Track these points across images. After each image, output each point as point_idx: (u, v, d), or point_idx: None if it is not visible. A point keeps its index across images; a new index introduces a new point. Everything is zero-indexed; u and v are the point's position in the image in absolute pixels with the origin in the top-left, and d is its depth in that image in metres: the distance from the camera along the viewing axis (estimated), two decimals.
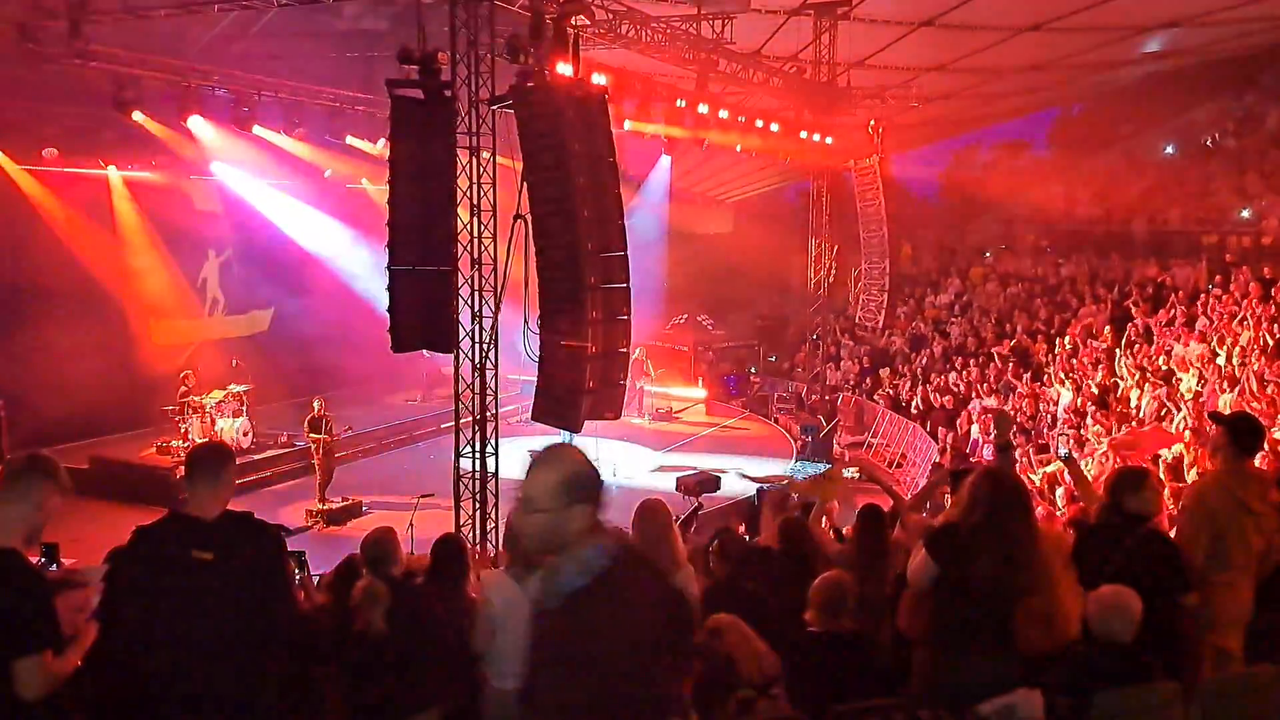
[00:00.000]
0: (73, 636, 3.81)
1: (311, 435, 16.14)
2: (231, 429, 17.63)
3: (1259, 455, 11.28)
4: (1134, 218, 26.19)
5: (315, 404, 16.40)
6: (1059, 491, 13.89)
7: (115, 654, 3.98)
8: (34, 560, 3.97)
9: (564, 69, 11.28)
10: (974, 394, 21.21)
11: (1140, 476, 5.52)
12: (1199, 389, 15.75)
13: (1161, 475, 11.85)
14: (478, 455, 12.67)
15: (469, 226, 12.68)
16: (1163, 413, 15.65)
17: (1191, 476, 11.77)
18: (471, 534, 12.60)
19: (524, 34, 11.80)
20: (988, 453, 17.96)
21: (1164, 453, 13.05)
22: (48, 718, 3.64)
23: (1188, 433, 13.39)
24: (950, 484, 6.49)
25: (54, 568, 6.85)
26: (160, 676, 3.88)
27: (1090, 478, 9.33)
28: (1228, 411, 10.59)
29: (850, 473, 11.53)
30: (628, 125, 17.04)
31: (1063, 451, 14.16)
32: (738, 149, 20.42)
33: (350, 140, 19.49)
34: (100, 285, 17.85)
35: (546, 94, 10.44)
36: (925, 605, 4.75)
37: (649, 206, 28.25)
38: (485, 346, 12.58)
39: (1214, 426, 5.64)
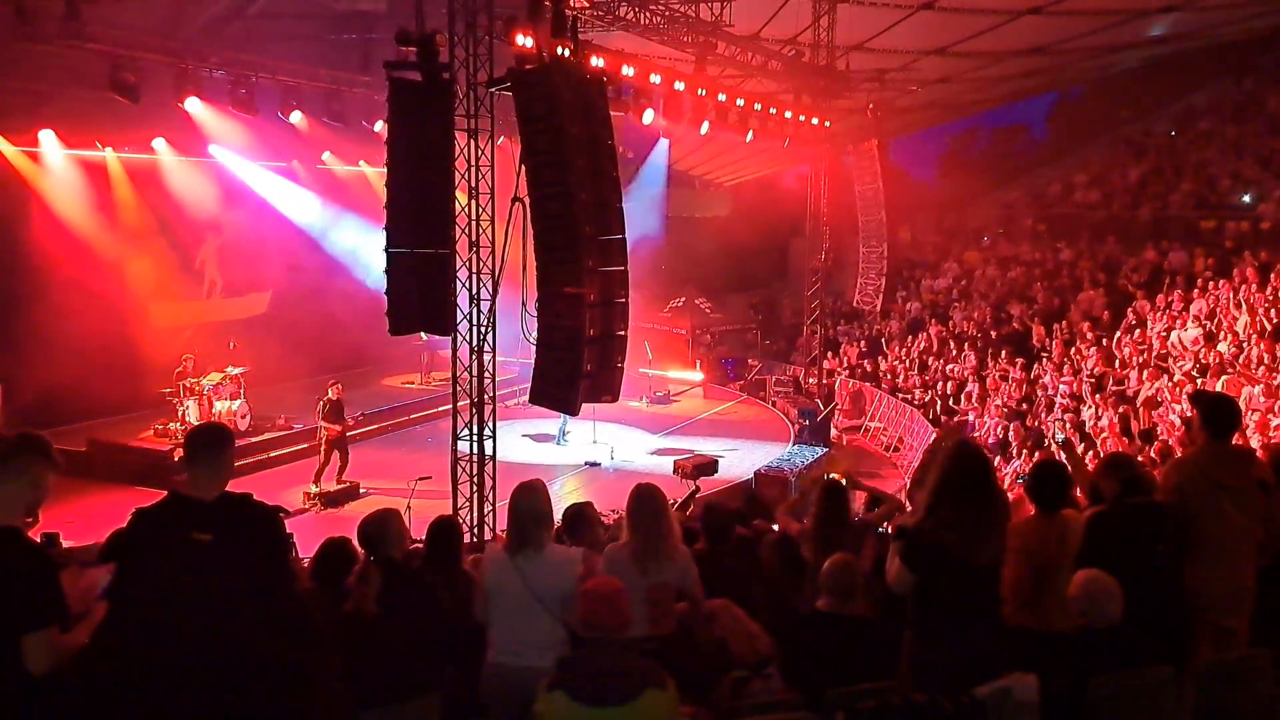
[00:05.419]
0: (82, 614, 3.87)
1: (330, 425, 16.06)
2: (228, 411, 17.64)
3: (1258, 439, 11.35)
4: (1133, 202, 26.17)
5: (331, 390, 16.27)
6: None
7: (118, 633, 4.01)
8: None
9: (562, 51, 11.25)
10: (971, 378, 21.26)
11: (1135, 461, 5.60)
12: (1195, 374, 15.80)
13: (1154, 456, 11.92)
14: (475, 438, 12.69)
15: (467, 209, 12.67)
16: (1159, 398, 15.70)
17: None
18: (469, 516, 12.62)
19: (522, 16, 11.77)
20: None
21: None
22: (54, 694, 3.68)
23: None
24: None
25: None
26: (159, 656, 3.89)
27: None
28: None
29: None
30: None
31: (1059, 436, 14.22)
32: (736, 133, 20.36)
33: (347, 122, 19.40)
34: (98, 267, 17.80)
35: (544, 76, 10.41)
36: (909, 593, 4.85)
37: (647, 189, 28.24)
38: (483, 329, 12.58)
39: (1191, 408, 5.65)
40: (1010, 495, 6.53)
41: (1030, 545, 5.12)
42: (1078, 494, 5.96)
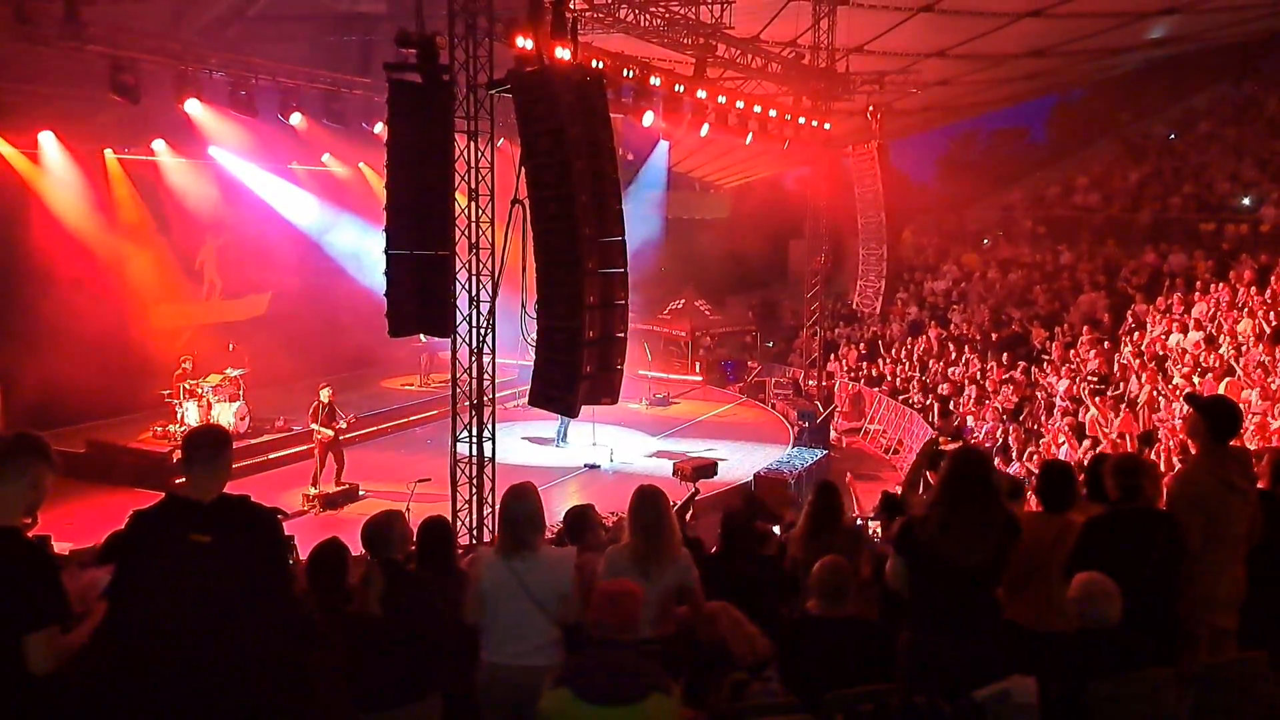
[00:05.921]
0: (83, 614, 3.87)
1: (321, 430, 15.97)
2: (228, 413, 17.63)
3: (1256, 442, 11.33)
4: (1133, 205, 26.19)
5: (323, 393, 16.10)
6: None
7: (117, 635, 4.01)
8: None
9: (562, 53, 11.25)
10: (970, 381, 21.25)
11: (1146, 463, 5.61)
12: (1194, 377, 15.78)
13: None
14: (475, 440, 12.68)
15: (467, 211, 12.67)
16: (1159, 400, 15.69)
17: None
18: (469, 518, 12.62)
19: (522, 18, 11.77)
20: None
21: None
22: (55, 695, 3.68)
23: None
24: (928, 463, 6.57)
25: None
26: (159, 657, 3.89)
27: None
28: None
29: None
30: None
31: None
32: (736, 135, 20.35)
33: (347, 124, 19.40)
34: (97, 269, 17.80)
35: (544, 78, 10.39)
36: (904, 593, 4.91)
37: (647, 191, 28.24)
38: (482, 331, 12.57)
39: (1190, 411, 5.63)
40: None
41: (1025, 538, 5.13)
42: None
